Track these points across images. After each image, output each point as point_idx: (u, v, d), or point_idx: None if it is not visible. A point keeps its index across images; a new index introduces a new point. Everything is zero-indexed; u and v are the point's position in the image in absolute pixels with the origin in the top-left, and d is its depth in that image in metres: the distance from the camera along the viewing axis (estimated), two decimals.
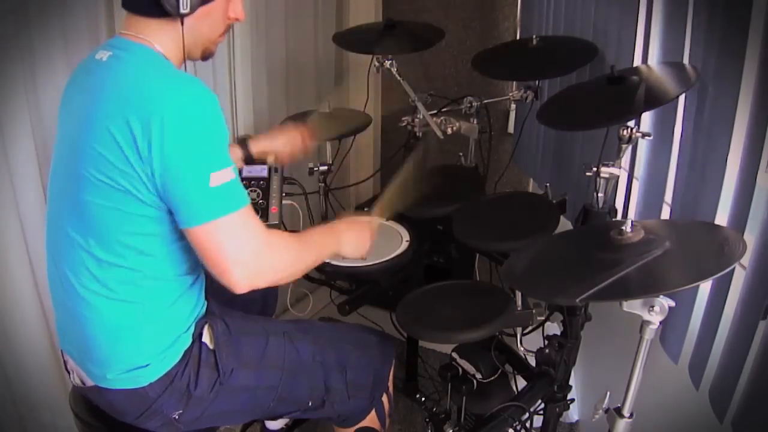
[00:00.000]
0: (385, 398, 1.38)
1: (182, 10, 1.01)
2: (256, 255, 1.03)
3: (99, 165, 0.97)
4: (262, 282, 1.04)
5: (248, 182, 1.72)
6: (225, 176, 0.97)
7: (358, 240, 1.27)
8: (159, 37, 1.04)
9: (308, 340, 1.27)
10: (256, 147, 1.48)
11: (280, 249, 1.09)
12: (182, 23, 1.04)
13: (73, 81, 1.09)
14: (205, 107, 0.98)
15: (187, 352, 1.11)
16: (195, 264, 1.12)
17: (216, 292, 1.27)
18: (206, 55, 1.14)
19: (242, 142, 1.47)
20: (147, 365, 1.07)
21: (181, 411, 1.12)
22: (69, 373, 1.17)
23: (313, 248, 1.18)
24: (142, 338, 1.07)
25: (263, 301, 1.52)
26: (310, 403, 1.26)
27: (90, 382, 1.11)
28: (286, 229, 1.70)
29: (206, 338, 1.14)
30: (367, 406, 1.34)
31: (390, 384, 1.41)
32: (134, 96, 0.95)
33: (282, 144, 1.51)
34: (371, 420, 1.36)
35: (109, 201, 0.98)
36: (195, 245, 1.01)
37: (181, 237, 1.05)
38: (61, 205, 1.06)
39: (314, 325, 1.36)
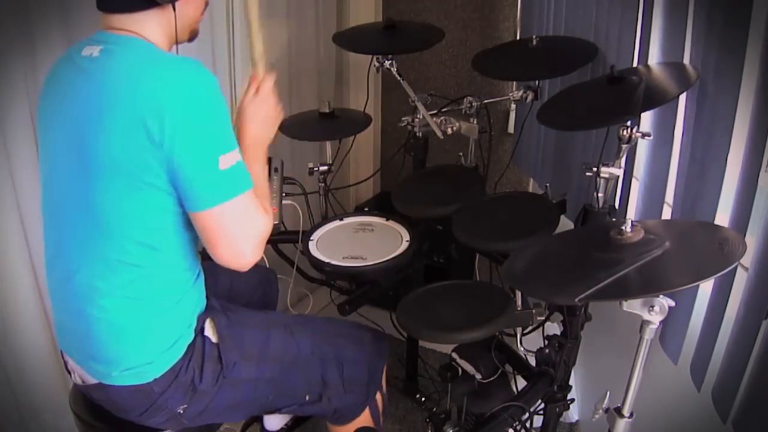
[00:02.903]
0: (378, 396, 1.39)
1: None
2: (261, 232, 1.07)
3: (113, 164, 0.97)
4: (262, 250, 1.08)
5: None
6: (232, 158, 0.99)
7: (270, 127, 1.20)
8: (146, 28, 1.04)
9: (307, 333, 1.28)
10: None
11: (270, 216, 1.11)
12: (174, 8, 1.05)
13: (58, 79, 1.07)
14: (209, 89, 0.99)
15: (191, 347, 1.12)
16: (196, 258, 1.13)
17: (216, 291, 1.28)
18: (193, 36, 1.16)
19: None
20: (152, 362, 1.08)
21: (186, 405, 1.12)
22: (70, 373, 1.17)
23: (266, 185, 1.20)
24: (149, 336, 1.07)
25: (263, 300, 1.52)
26: (307, 397, 1.27)
27: (92, 380, 1.11)
28: (285, 230, 1.70)
29: (209, 332, 1.15)
30: (362, 401, 1.34)
31: (383, 382, 1.41)
32: (139, 87, 0.95)
33: None
34: (365, 418, 1.36)
35: (122, 199, 0.99)
36: (202, 229, 1.02)
37: (184, 229, 1.06)
38: (66, 209, 1.05)
39: (313, 320, 1.38)
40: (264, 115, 1.18)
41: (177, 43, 1.12)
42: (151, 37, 1.05)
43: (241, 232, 1.03)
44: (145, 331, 1.07)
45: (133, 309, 1.06)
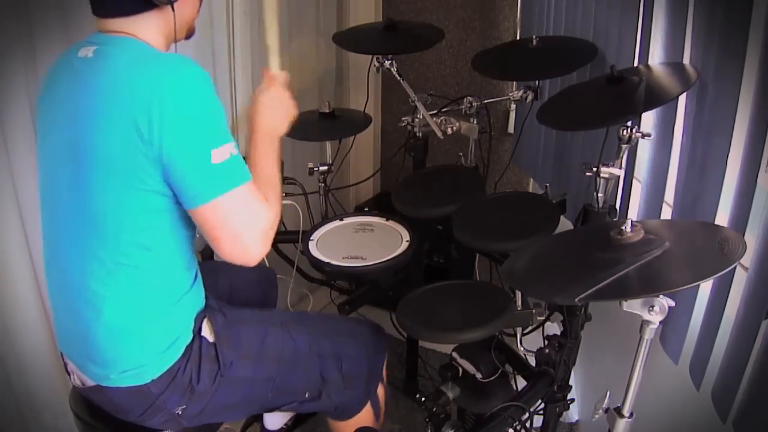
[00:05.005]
0: (380, 390, 1.39)
1: None
2: (265, 224, 1.05)
3: (108, 165, 0.97)
4: (270, 243, 1.07)
5: None
6: (226, 152, 0.99)
7: (282, 118, 1.21)
8: (142, 29, 1.05)
9: (304, 330, 1.27)
10: None
11: (275, 208, 1.10)
12: (173, 9, 1.06)
13: (55, 81, 1.08)
14: (200, 85, 0.99)
15: (189, 348, 1.12)
16: (193, 258, 1.13)
17: (216, 291, 1.28)
18: (190, 34, 1.18)
19: None
20: (149, 363, 1.08)
21: (184, 406, 1.12)
22: (69, 374, 1.17)
23: (276, 175, 1.16)
24: (147, 338, 1.07)
25: (263, 299, 1.52)
26: (306, 395, 1.27)
27: (90, 382, 1.11)
28: (285, 229, 1.70)
29: (206, 332, 1.14)
30: (363, 397, 1.35)
31: (384, 376, 1.41)
32: (132, 87, 0.96)
33: None
34: (367, 412, 1.37)
35: (117, 199, 0.99)
36: (202, 226, 1.02)
37: (179, 228, 1.06)
38: (62, 211, 1.06)
39: (310, 316, 1.37)
40: (276, 106, 1.20)
41: (176, 41, 1.12)
42: (147, 38, 1.05)
43: (243, 226, 1.02)
44: (143, 333, 1.07)
45: (131, 311, 1.05)
